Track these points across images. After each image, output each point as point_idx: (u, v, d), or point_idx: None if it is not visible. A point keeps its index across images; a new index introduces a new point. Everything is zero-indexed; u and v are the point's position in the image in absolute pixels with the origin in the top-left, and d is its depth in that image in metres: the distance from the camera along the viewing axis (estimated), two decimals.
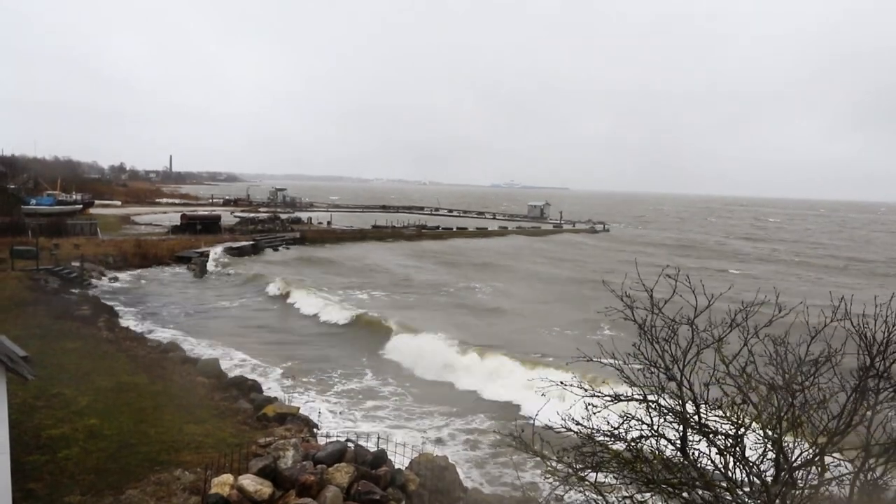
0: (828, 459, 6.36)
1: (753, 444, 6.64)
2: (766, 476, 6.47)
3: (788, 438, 6.42)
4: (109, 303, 35.63)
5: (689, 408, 6.68)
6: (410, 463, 15.75)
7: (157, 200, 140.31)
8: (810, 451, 6.30)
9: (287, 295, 42.28)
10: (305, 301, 40.10)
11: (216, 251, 56.68)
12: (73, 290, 36.86)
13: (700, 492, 6.53)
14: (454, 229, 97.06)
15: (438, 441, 19.72)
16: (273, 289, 43.96)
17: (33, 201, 76.48)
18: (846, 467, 6.36)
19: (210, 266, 52.10)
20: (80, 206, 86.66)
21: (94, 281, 42.02)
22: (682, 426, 6.69)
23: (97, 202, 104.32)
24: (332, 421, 20.60)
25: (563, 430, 7.18)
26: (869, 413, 6.32)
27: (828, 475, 6.40)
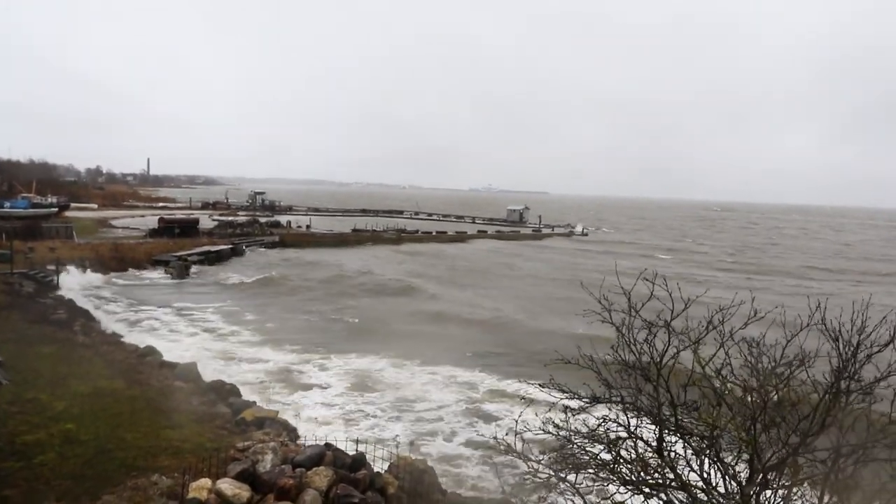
0: (800, 460, 6.48)
1: (728, 444, 6.76)
2: (740, 477, 6.59)
3: (762, 439, 6.54)
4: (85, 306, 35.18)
5: (666, 410, 6.78)
6: (389, 466, 15.74)
7: (135, 203, 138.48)
8: (783, 451, 6.41)
9: None
10: None
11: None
12: (50, 295, 36.26)
13: (676, 492, 6.64)
14: (433, 233, 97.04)
15: None
16: None
17: (7, 204, 75.22)
18: (818, 468, 6.48)
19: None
20: (56, 209, 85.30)
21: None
22: (657, 428, 6.79)
23: (73, 205, 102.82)
24: None
25: (543, 432, 7.26)
26: (840, 414, 6.44)
27: (800, 475, 6.53)
